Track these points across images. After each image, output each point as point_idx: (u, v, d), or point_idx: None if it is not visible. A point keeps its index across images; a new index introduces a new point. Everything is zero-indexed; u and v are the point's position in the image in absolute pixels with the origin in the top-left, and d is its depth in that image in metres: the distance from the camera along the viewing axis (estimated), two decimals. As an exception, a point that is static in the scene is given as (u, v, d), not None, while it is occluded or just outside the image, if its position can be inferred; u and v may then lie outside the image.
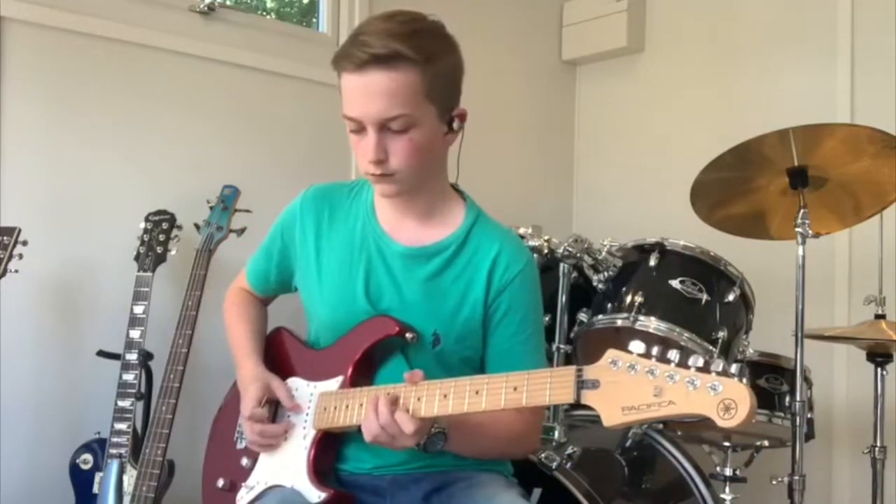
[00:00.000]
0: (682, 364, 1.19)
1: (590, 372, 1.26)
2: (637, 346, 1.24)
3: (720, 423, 1.14)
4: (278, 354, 1.73)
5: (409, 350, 1.57)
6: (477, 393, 1.37)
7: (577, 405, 1.32)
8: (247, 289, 1.83)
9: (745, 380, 1.16)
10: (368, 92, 1.45)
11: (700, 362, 1.18)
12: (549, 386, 1.30)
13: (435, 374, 1.48)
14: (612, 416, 1.23)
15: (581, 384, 1.26)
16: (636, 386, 1.21)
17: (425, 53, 1.47)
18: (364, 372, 1.57)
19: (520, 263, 1.61)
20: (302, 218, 1.67)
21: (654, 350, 1.22)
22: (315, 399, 1.58)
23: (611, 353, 1.25)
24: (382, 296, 1.60)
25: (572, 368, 1.28)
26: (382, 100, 1.45)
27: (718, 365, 1.17)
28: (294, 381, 1.64)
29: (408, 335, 1.54)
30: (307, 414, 1.58)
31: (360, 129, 1.49)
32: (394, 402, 1.41)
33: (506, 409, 1.37)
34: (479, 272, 1.59)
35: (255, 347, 1.72)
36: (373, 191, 1.66)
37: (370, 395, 1.47)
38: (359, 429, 1.50)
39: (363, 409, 1.47)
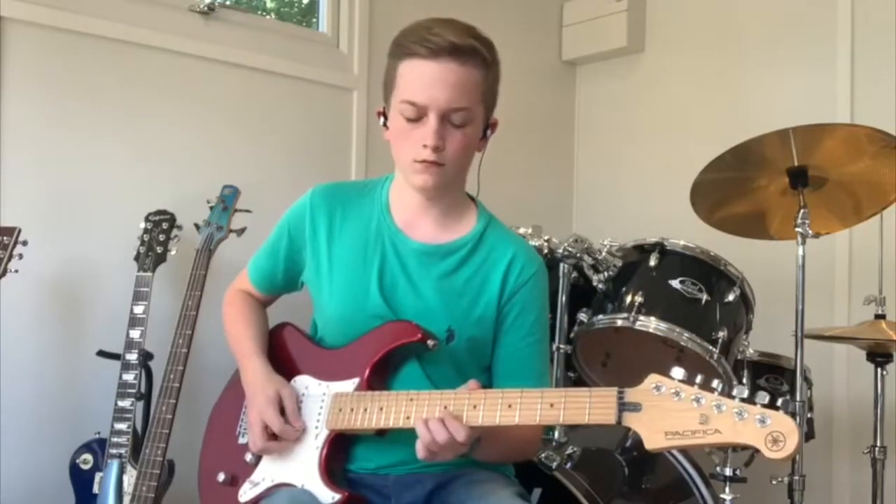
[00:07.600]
0: (727, 394, 1.22)
1: (631, 395, 1.27)
2: (678, 372, 1.25)
3: (768, 454, 1.17)
4: (284, 351, 1.70)
5: (423, 352, 1.56)
6: (510, 407, 1.36)
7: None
8: (247, 290, 1.81)
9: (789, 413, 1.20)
10: (440, 79, 1.48)
11: (745, 393, 1.21)
12: (589, 406, 1.30)
13: (447, 373, 1.49)
14: (654, 440, 1.23)
15: (622, 406, 1.26)
16: (681, 412, 1.23)
17: (491, 57, 1.55)
18: (381, 375, 1.56)
19: (533, 267, 1.63)
20: (312, 214, 1.66)
21: (698, 378, 1.24)
22: (328, 399, 1.55)
23: (654, 378, 1.26)
24: (396, 291, 1.60)
25: (613, 390, 1.28)
26: (453, 90, 1.49)
27: (764, 398, 1.20)
28: (303, 379, 1.62)
29: (429, 342, 1.53)
30: (319, 414, 1.55)
31: (418, 116, 1.51)
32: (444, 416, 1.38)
33: None
34: (493, 273, 1.61)
35: (258, 346, 1.69)
36: (387, 189, 1.67)
37: (390, 400, 1.46)
38: (377, 432, 1.49)
39: (383, 414, 1.46)
